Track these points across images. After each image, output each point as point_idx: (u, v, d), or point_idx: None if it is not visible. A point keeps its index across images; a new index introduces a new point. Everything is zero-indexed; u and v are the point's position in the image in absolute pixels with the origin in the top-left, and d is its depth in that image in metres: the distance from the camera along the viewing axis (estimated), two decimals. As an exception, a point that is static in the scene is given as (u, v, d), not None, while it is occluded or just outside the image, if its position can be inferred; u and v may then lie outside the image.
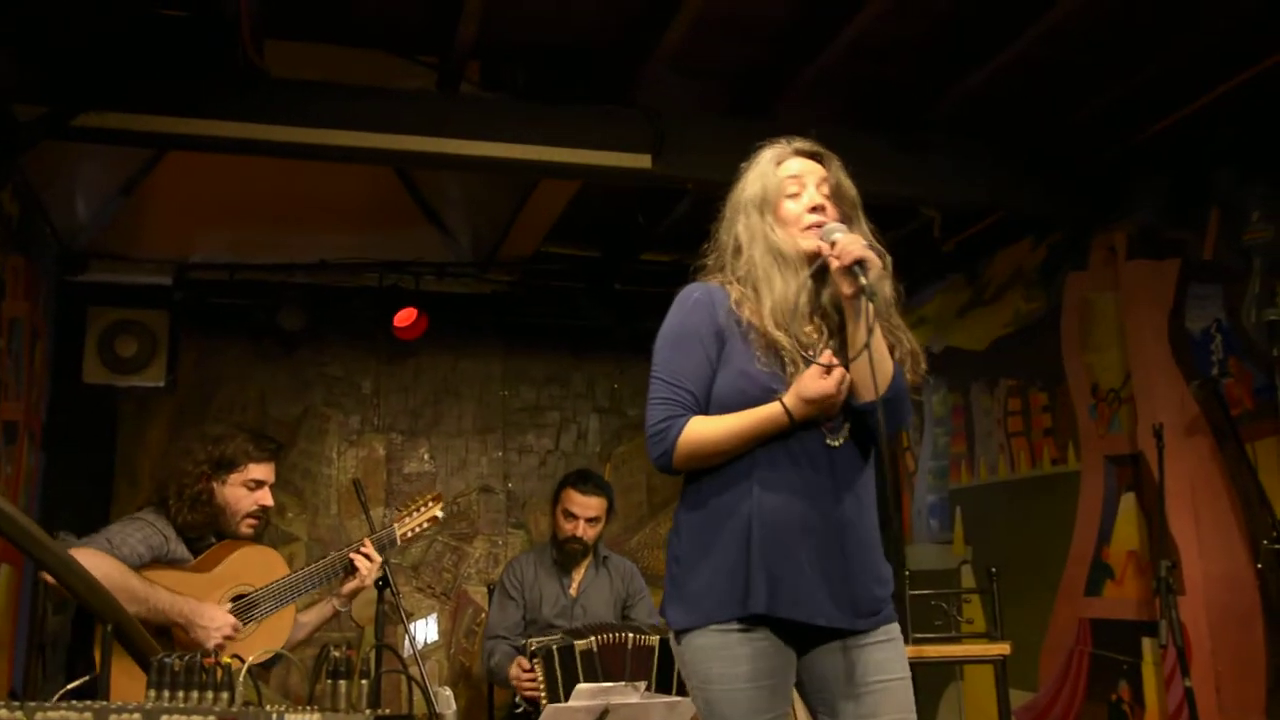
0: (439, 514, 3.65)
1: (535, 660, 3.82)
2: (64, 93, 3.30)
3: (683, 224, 4.63)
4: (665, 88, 3.84)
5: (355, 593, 3.39)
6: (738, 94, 3.96)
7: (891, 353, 2.22)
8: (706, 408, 2.22)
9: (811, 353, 2.17)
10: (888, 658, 2.18)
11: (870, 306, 2.07)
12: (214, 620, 3.01)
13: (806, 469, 2.16)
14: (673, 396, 2.22)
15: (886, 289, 2.21)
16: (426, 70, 3.75)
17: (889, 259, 2.18)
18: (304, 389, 5.56)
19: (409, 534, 3.57)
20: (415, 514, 3.61)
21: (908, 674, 2.20)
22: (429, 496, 3.68)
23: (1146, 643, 4.04)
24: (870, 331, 2.08)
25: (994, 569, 4.08)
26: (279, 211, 5.01)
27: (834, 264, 2.14)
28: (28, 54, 3.25)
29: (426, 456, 5.67)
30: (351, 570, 3.36)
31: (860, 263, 2.09)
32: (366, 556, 3.35)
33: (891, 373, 2.17)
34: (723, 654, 2.13)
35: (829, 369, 2.11)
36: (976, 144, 4.17)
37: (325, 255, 5.30)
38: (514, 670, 3.95)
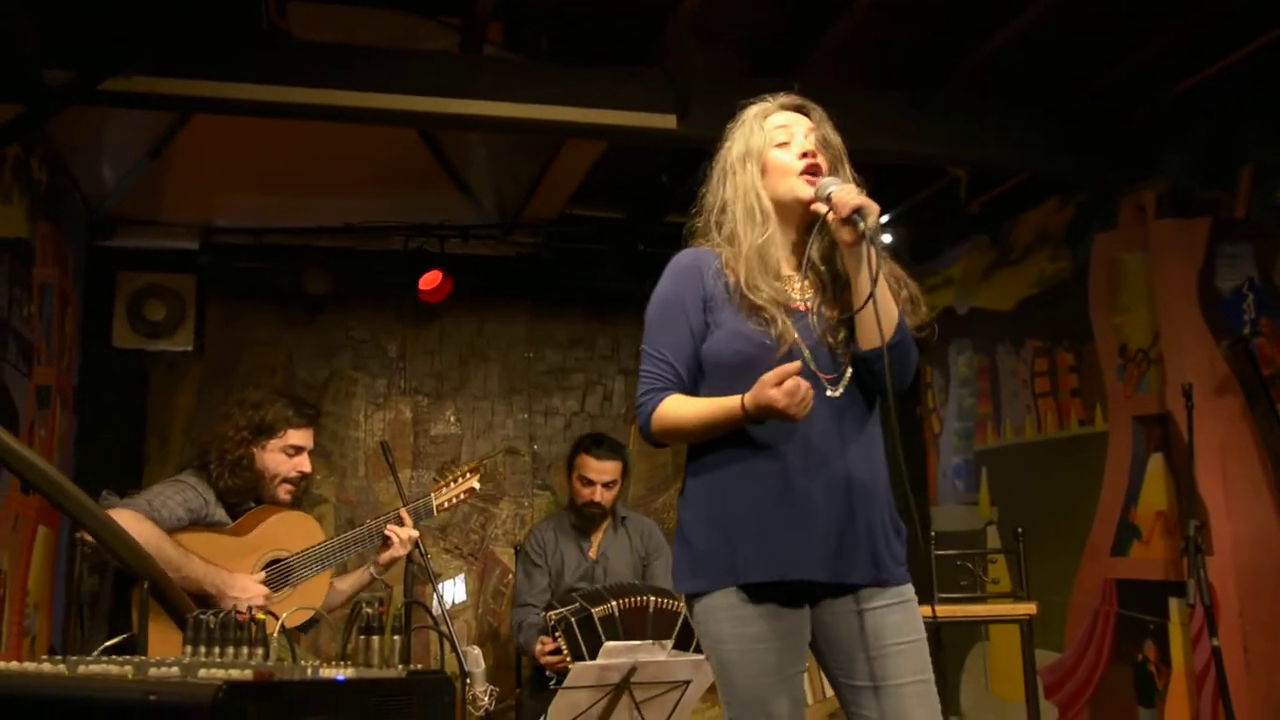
0: (476, 485, 3.64)
1: (556, 632, 3.86)
2: (90, 57, 3.31)
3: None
4: (688, 49, 3.81)
5: (392, 562, 3.41)
6: (761, 55, 3.93)
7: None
8: (694, 378, 2.23)
9: (801, 305, 2.20)
10: (905, 619, 2.17)
11: (874, 251, 2.08)
12: (246, 591, 3.04)
13: (805, 424, 2.13)
14: (653, 370, 2.25)
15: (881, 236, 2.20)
16: (449, 32, 3.74)
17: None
18: (330, 352, 5.60)
19: (445, 505, 3.57)
20: (453, 485, 3.60)
21: (924, 634, 2.19)
22: (466, 467, 3.67)
23: (1173, 603, 4.04)
24: (875, 278, 2.09)
25: (1020, 529, 4.08)
26: (304, 175, 5.02)
27: (831, 218, 2.15)
28: (54, 18, 3.26)
29: (453, 419, 5.71)
30: (387, 541, 3.38)
31: (859, 210, 2.09)
32: (399, 529, 3.38)
33: (896, 318, 2.17)
34: (733, 615, 2.14)
35: (782, 381, 2.06)
36: (1002, 103, 4.12)
37: (350, 219, 5.32)
38: (538, 649, 3.99)
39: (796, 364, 2.06)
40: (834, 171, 2.27)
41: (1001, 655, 4.90)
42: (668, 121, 3.75)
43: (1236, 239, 3.90)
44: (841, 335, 2.20)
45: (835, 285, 2.24)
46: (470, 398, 5.75)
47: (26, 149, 3.92)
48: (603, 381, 5.92)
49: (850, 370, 2.20)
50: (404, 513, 3.41)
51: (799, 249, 2.27)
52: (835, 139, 2.32)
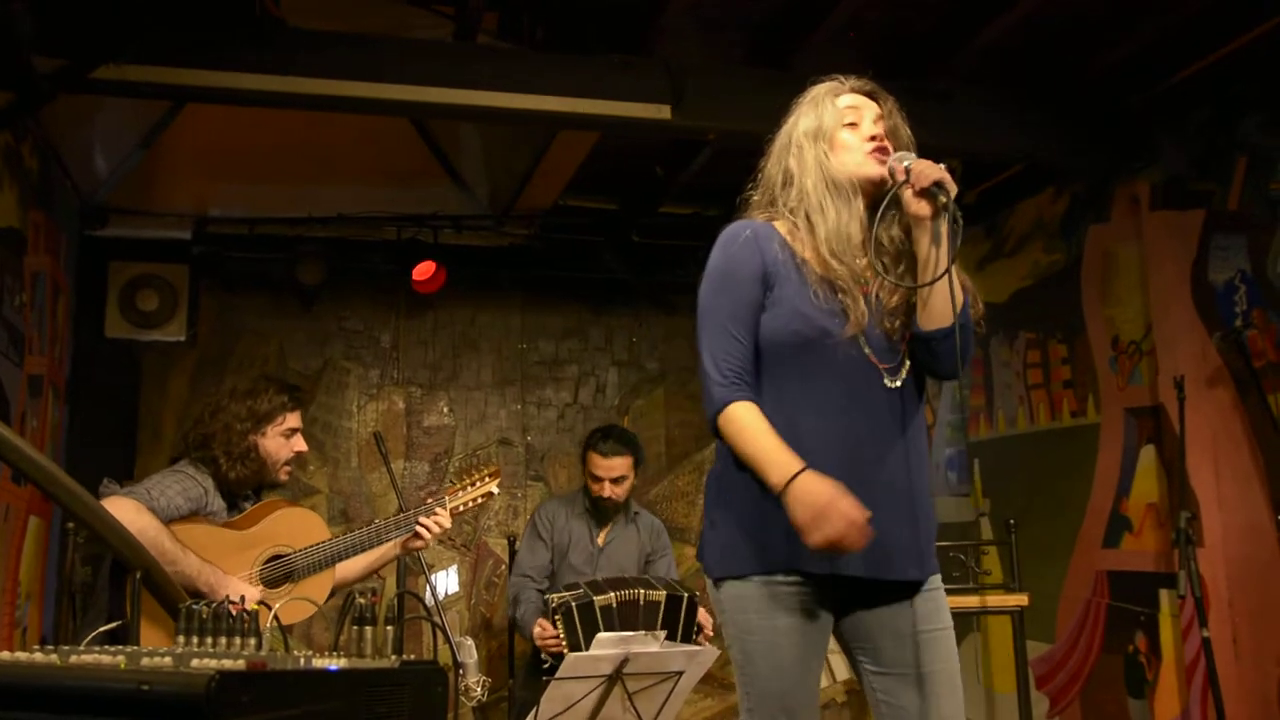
0: (495, 489, 3.55)
1: (556, 616, 3.87)
2: (82, 44, 3.29)
3: (701, 176, 4.61)
4: (684, 38, 3.80)
5: (417, 549, 3.40)
6: (757, 44, 3.92)
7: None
8: (754, 350, 2.15)
9: (869, 289, 2.14)
10: (936, 607, 2.16)
11: (958, 224, 2.04)
12: (237, 594, 3.03)
13: (860, 414, 2.11)
14: (728, 355, 2.13)
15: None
16: (443, 20, 3.73)
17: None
18: (323, 342, 5.59)
19: (460, 508, 3.48)
20: (469, 488, 3.52)
21: (951, 623, 2.18)
22: (486, 471, 3.57)
23: (1164, 594, 4.05)
24: (954, 253, 2.05)
25: (1012, 521, 4.09)
26: (297, 165, 5.01)
27: (907, 191, 2.10)
28: (46, 6, 3.24)
29: (446, 409, 5.70)
30: (418, 533, 3.36)
31: (939, 183, 2.06)
32: (434, 524, 3.36)
33: (963, 299, 2.13)
34: (763, 605, 2.10)
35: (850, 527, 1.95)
36: (998, 94, 4.12)
37: (344, 209, 5.30)
38: (537, 631, 4.01)
39: (865, 521, 1.95)
40: None
41: (994, 646, 4.91)
42: (662, 112, 3.74)
43: (1230, 231, 3.91)
44: (898, 323, 2.16)
45: (895, 269, 2.19)
46: (463, 388, 5.74)
47: (18, 137, 3.90)
48: (596, 373, 5.92)
49: (909, 361, 2.17)
50: (441, 510, 3.40)
51: (862, 223, 2.20)
52: (905, 131, 2.27)
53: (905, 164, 2.13)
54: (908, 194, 2.11)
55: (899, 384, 2.15)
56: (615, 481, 4.26)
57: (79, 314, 4.98)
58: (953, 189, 2.08)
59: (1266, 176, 3.77)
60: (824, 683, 4.77)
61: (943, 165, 2.10)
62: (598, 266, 5.65)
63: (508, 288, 5.81)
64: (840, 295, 2.12)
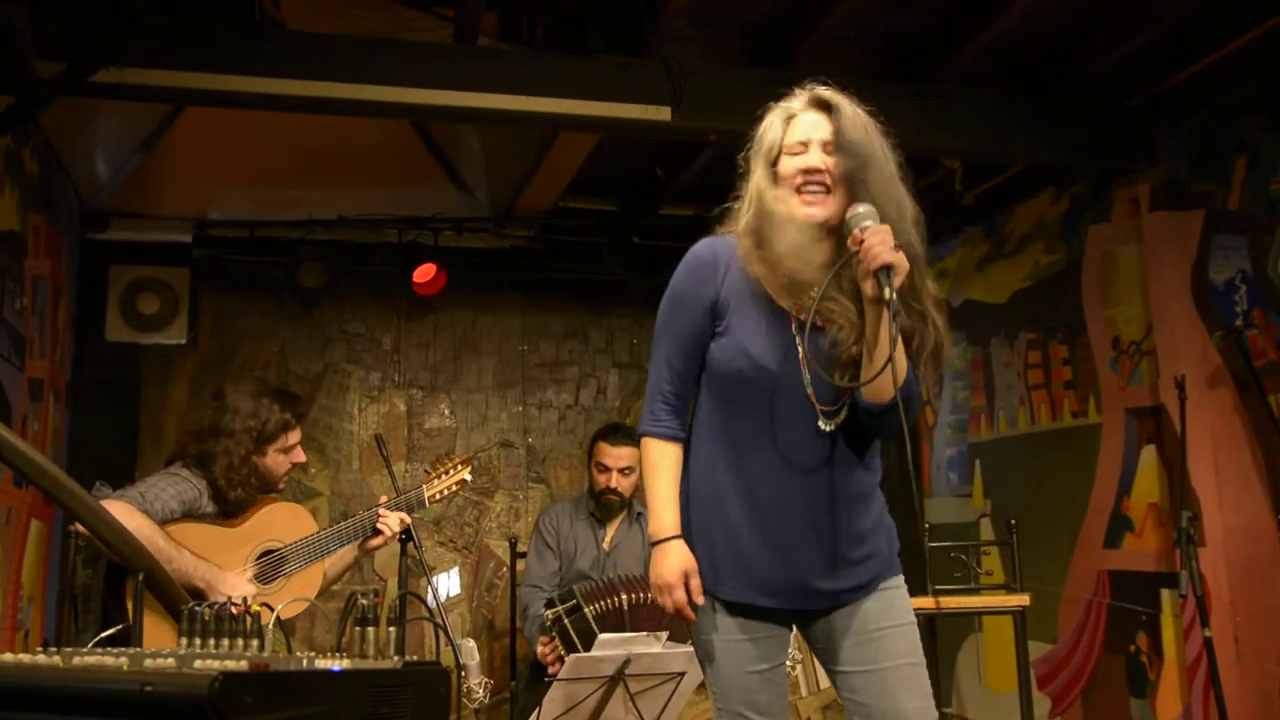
0: (467, 477, 3.68)
1: (553, 633, 3.87)
2: (81, 48, 3.29)
3: (702, 177, 4.61)
4: (683, 39, 3.81)
5: (377, 548, 3.44)
6: (756, 45, 3.93)
7: (909, 342, 2.11)
8: (698, 375, 2.24)
9: (819, 321, 2.10)
10: (890, 605, 2.19)
11: (892, 321, 1.95)
12: (235, 588, 3.05)
13: (791, 452, 2.13)
14: (658, 388, 2.26)
15: (916, 244, 2.11)
16: (443, 22, 3.73)
17: (920, 220, 2.15)
18: (325, 345, 5.59)
19: (437, 496, 3.61)
20: (444, 476, 3.64)
21: (912, 619, 2.20)
22: (458, 460, 3.71)
23: (1165, 594, 4.05)
24: (893, 344, 1.96)
25: (1013, 521, 4.09)
26: (297, 168, 5.00)
27: (858, 263, 2.03)
28: (45, 9, 3.24)
29: (447, 412, 5.70)
30: (376, 531, 3.40)
31: (886, 269, 1.96)
32: (390, 520, 3.40)
33: (904, 374, 2.04)
34: (721, 614, 2.20)
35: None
36: (998, 94, 4.12)
37: (344, 212, 5.30)
38: (540, 650, 4.01)
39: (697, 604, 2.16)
40: (853, 179, 2.09)
41: (995, 647, 4.91)
42: (662, 113, 3.74)
43: (1230, 231, 3.91)
44: (847, 376, 2.11)
45: (855, 313, 2.10)
46: (464, 390, 5.74)
47: (18, 141, 3.90)
48: (596, 374, 5.92)
49: (846, 412, 2.14)
50: (383, 500, 3.44)
51: (822, 253, 2.12)
52: (859, 140, 2.11)
53: (863, 226, 2.02)
54: (859, 268, 2.03)
55: (831, 428, 2.13)
56: (623, 472, 4.29)
57: (80, 317, 4.98)
58: (901, 272, 1.97)
59: (1266, 176, 3.77)
60: (825, 683, 4.77)
61: (899, 245, 1.99)
62: (598, 268, 5.65)
63: (508, 289, 5.81)
64: (789, 327, 2.13)
